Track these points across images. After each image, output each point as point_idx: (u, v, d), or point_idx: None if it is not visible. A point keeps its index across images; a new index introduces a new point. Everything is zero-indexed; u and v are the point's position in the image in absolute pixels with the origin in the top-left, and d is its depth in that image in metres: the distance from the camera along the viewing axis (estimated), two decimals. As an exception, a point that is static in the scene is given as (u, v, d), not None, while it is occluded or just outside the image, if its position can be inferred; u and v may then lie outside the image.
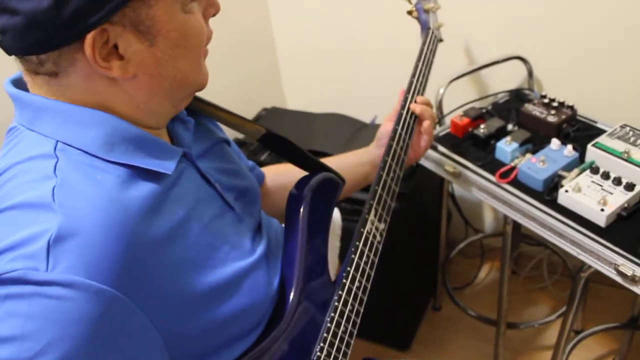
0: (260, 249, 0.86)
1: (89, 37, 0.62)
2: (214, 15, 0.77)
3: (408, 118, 1.14)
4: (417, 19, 1.43)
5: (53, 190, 0.63)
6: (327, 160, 1.15)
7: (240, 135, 1.61)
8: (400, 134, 1.11)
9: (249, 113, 2.02)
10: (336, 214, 1.47)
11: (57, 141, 0.68)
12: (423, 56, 1.27)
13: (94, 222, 0.63)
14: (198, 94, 0.83)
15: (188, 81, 0.74)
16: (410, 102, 1.16)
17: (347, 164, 1.14)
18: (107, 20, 0.63)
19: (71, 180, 0.65)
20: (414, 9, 1.43)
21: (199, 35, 0.73)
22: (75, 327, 0.59)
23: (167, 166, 0.73)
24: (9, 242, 0.61)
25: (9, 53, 0.66)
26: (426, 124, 1.15)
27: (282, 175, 1.11)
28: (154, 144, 0.73)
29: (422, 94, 1.21)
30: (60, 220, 0.61)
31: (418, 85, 1.21)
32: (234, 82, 2.00)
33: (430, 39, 1.33)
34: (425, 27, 1.39)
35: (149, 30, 0.66)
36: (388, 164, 1.06)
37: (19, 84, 0.73)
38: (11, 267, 0.59)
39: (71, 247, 0.60)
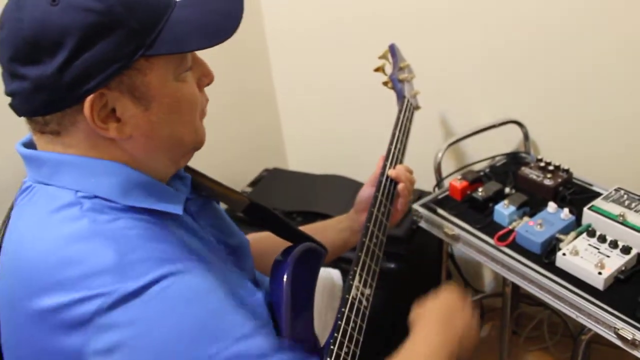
0: (260, 294, 0.89)
1: (88, 100, 0.69)
2: (208, 84, 0.83)
3: (388, 184, 1.17)
4: (393, 88, 1.48)
5: (89, 223, 0.70)
6: (307, 227, 1.18)
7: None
8: (380, 200, 1.13)
9: (251, 173, 2.05)
10: (337, 275, 1.48)
11: (77, 191, 0.74)
12: (400, 124, 1.32)
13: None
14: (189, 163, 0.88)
15: (183, 141, 0.81)
16: (389, 168, 1.19)
17: (326, 230, 1.16)
18: (104, 85, 0.69)
19: (99, 217, 0.72)
20: (389, 80, 1.49)
21: (192, 101, 0.79)
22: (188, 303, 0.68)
23: (176, 208, 0.79)
24: (83, 274, 0.67)
25: (19, 114, 0.74)
26: (401, 186, 1.18)
27: (264, 242, 1.12)
28: (162, 190, 0.80)
29: (401, 160, 1.25)
30: (112, 248, 0.68)
31: (396, 152, 1.24)
32: (236, 143, 2.04)
33: (406, 107, 1.38)
34: (400, 96, 1.44)
35: (144, 96, 0.73)
36: (370, 230, 1.07)
37: (28, 146, 0.78)
38: (100, 291, 0.66)
39: (137, 257, 0.68)
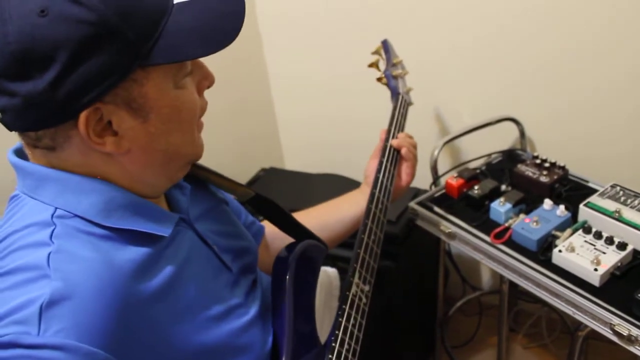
0: (254, 309, 0.88)
1: (82, 116, 0.65)
2: (208, 87, 0.79)
3: (387, 171, 1.19)
4: (387, 85, 1.48)
5: (49, 256, 0.65)
6: (322, 205, 1.22)
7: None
8: (380, 190, 1.16)
9: (248, 173, 2.05)
10: (333, 274, 1.48)
11: (56, 208, 0.70)
12: (395, 120, 1.34)
13: (87, 286, 0.65)
14: None
15: (180, 153, 0.77)
16: (387, 160, 1.22)
17: (343, 204, 1.19)
18: (99, 100, 0.66)
19: (67, 246, 0.67)
20: (383, 76, 1.49)
21: (192, 109, 0.75)
22: None
23: (164, 230, 0.76)
24: (3, 310, 0.62)
25: (9, 129, 0.69)
26: (404, 150, 1.22)
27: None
28: (150, 210, 0.76)
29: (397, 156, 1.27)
30: (53, 285, 0.63)
31: (392, 148, 1.26)
32: (233, 143, 2.04)
33: (401, 104, 1.40)
34: (395, 93, 1.44)
35: (141, 107, 0.69)
36: (369, 227, 1.09)
37: (21, 153, 0.76)
38: (2, 332, 0.60)
39: (63, 311, 0.62)
